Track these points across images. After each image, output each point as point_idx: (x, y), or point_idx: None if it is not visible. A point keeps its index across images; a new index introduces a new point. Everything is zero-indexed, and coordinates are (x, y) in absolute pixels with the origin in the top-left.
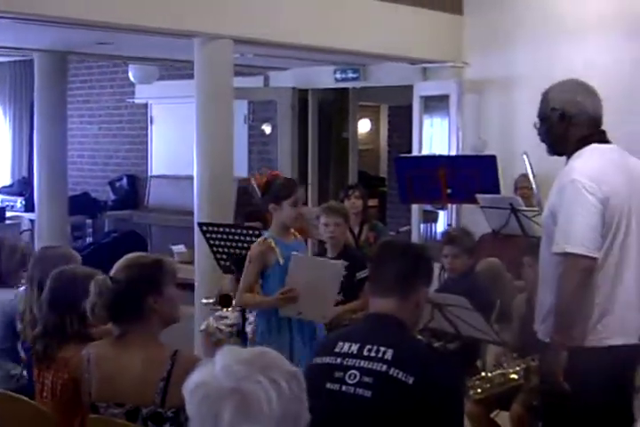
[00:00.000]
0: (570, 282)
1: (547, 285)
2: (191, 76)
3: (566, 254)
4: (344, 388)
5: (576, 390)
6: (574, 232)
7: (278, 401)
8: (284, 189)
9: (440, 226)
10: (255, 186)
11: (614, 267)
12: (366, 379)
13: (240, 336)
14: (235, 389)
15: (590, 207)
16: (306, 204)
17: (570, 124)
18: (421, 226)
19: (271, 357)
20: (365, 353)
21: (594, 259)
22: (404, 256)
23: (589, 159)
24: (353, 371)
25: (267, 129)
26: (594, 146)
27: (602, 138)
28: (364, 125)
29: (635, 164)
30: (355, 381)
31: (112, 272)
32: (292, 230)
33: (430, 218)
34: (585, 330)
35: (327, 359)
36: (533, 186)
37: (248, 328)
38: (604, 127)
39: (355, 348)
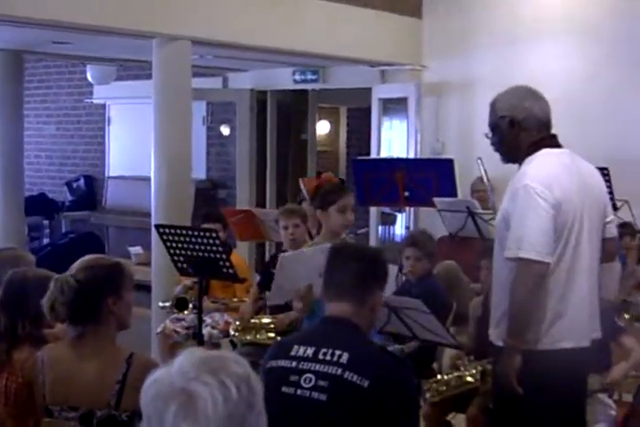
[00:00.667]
0: (522, 287)
1: (500, 289)
2: (149, 77)
3: (519, 259)
4: (299, 392)
5: (529, 393)
6: (526, 237)
7: (224, 404)
8: (331, 195)
9: (398, 228)
10: (304, 190)
11: (566, 272)
12: (322, 383)
13: (196, 339)
14: (183, 389)
15: (542, 212)
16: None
17: (520, 129)
18: (379, 228)
19: (226, 360)
20: (321, 357)
21: (546, 264)
22: (358, 261)
23: (541, 164)
24: (308, 375)
25: (225, 130)
26: (545, 151)
27: (553, 142)
28: (323, 127)
29: (586, 168)
30: (310, 384)
31: (71, 272)
32: (344, 237)
33: (388, 220)
34: (537, 334)
35: (282, 363)
36: (488, 190)
37: (204, 331)
38: (560, 130)
39: (310, 351)
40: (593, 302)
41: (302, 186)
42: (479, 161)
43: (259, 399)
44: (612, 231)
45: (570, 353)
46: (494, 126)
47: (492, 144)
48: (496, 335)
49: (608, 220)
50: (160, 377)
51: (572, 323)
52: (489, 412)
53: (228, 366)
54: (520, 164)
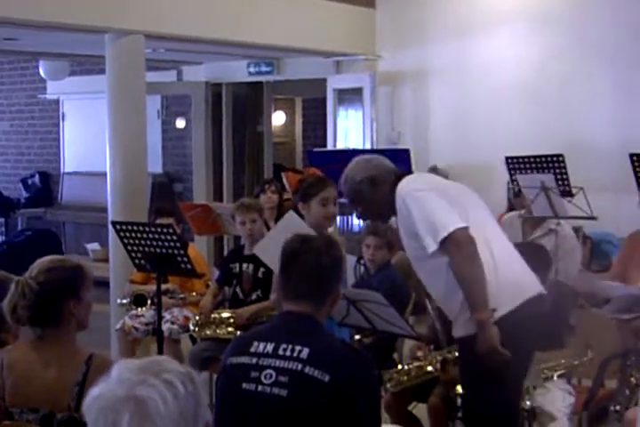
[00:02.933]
0: (461, 259)
1: (442, 289)
2: (103, 72)
3: (442, 244)
4: (260, 388)
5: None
6: (434, 223)
7: (174, 401)
8: (312, 187)
9: (356, 219)
10: (286, 184)
11: (489, 248)
12: (282, 378)
13: (156, 334)
14: (129, 396)
15: (431, 197)
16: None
17: (381, 183)
18: (338, 218)
19: (164, 362)
20: (281, 352)
21: (464, 227)
22: (313, 261)
23: (406, 181)
24: (269, 371)
25: (181, 124)
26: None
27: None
28: (278, 118)
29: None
30: (271, 380)
31: (31, 273)
32: (329, 231)
33: (346, 210)
34: (505, 297)
35: (243, 359)
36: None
37: (164, 326)
38: (514, 118)
39: (270, 347)
40: (525, 267)
41: (285, 180)
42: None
43: (202, 393)
44: None
45: (531, 302)
46: (356, 196)
47: (361, 215)
48: (457, 329)
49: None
50: (101, 392)
51: (515, 286)
52: (450, 401)
53: (167, 366)
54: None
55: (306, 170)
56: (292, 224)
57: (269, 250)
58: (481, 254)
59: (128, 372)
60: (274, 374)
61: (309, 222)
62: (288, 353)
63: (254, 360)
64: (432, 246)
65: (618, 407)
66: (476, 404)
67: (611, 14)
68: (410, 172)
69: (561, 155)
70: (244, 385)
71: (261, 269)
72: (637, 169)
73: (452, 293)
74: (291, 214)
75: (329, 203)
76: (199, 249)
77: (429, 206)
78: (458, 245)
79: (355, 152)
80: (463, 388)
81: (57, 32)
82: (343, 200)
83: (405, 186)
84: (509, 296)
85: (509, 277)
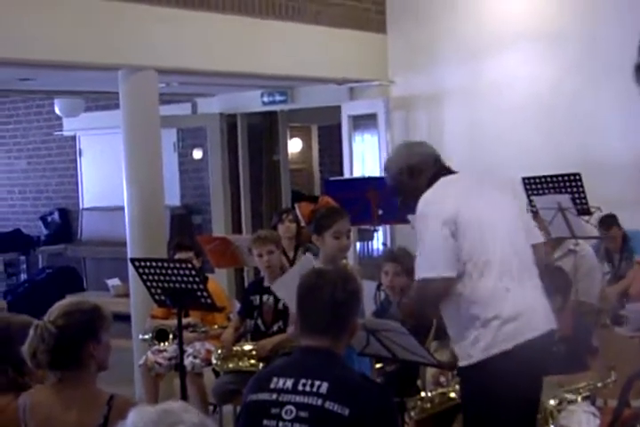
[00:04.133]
0: (420, 304)
1: (445, 314)
2: (118, 107)
3: (421, 280)
4: (281, 424)
5: (500, 394)
6: (426, 259)
7: None
8: (326, 220)
9: (376, 244)
10: (299, 215)
11: (497, 275)
12: (302, 414)
13: (179, 369)
14: None
15: (436, 230)
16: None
17: (419, 172)
18: (358, 244)
19: (177, 412)
20: (300, 388)
21: (446, 278)
22: (330, 296)
23: (430, 191)
24: (289, 406)
25: (197, 155)
26: (440, 180)
27: (445, 172)
28: (295, 145)
29: (489, 181)
30: (291, 416)
31: (50, 317)
32: (345, 262)
33: (367, 237)
34: (501, 335)
35: (263, 396)
36: None
37: (186, 361)
38: (528, 138)
39: (289, 383)
40: (541, 299)
41: (298, 211)
42: None
43: None
44: (536, 236)
45: (533, 343)
46: (397, 184)
47: (403, 204)
48: (459, 356)
49: (533, 224)
50: None
51: (525, 316)
52: None
53: (182, 417)
54: None
55: (320, 200)
56: (309, 265)
57: (287, 287)
58: (490, 285)
59: (142, 423)
60: (294, 409)
61: (324, 254)
62: (307, 388)
63: (274, 396)
64: (416, 277)
65: None
66: None
67: (619, 29)
68: (449, 172)
69: (577, 174)
70: (265, 422)
71: (282, 301)
72: None
73: (450, 321)
74: (307, 256)
75: (342, 236)
76: (219, 281)
77: (427, 240)
78: (423, 292)
79: (370, 180)
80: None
81: (71, 71)
82: (365, 227)
83: (421, 201)
84: (512, 333)
85: (516, 312)
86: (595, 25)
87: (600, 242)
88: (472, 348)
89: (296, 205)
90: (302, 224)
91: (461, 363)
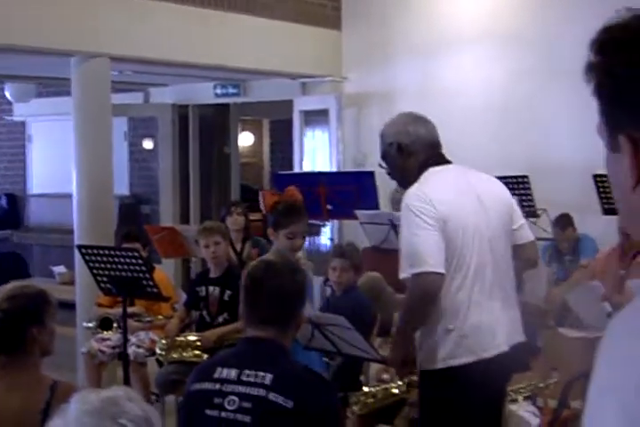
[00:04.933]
0: (415, 301)
1: None
2: (70, 93)
3: (414, 276)
4: (223, 414)
5: (454, 407)
6: (415, 254)
7: None
8: (283, 218)
9: (323, 240)
10: (262, 203)
11: (470, 285)
12: (245, 404)
13: (122, 358)
14: None
15: (425, 226)
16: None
17: (409, 153)
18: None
19: (121, 401)
20: (244, 378)
21: (439, 274)
22: (277, 288)
23: (424, 183)
24: (232, 397)
25: (147, 145)
26: (430, 170)
27: (439, 160)
28: (246, 139)
29: (478, 180)
30: (234, 407)
31: None
32: (297, 256)
33: (314, 231)
34: (450, 349)
35: (206, 385)
36: None
37: (130, 350)
38: (480, 139)
39: (233, 373)
40: (511, 309)
41: (261, 198)
42: None
43: None
44: (525, 236)
45: (489, 362)
46: (385, 154)
47: (388, 173)
48: (420, 359)
49: (516, 226)
50: None
51: (488, 333)
52: (415, 423)
53: (125, 408)
54: None
55: (286, 191)
56: None
57: None
58: (459, 295)
59: (84, 414)
60: (237, 400)
61: (276, 249)
62: (252, 379)
63: (217, 386)
64: (403, 274)
65: None
66: None
67: (572, 33)
68: (442, 161)
69: (526, 176)
70: (208, 411)
71: (228, 292)
72: (601, 190)
73: None
74: None
75: (296, 237)
76: (166, 272)
77: (417, 235)
78: (419, 286)
79: (321, 174)
80: (420, 420)
81: (24, 55)
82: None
83: (412, 194)
84: (472, 347)
85: (478, 327)
86: (547, 29)
87: (550, 242)
88: (433, 354)
89: (260, 193)
90: (255, 215)
91: (422, 366)
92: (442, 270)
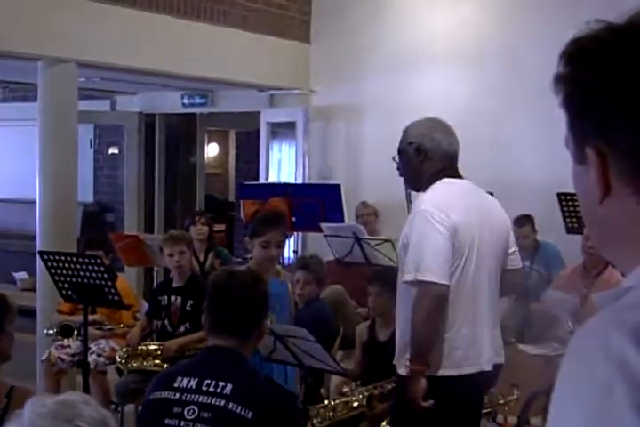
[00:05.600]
0: (422, 310)
1: (403, 317)
2: (35, 99)
3: (417, 283)
4: (182, 423)
5: (430, 417)
6: (424, 260)
7: None
8: (258, 227)
9: (286, 252)
10: (242, 212)
11: (468, 296)
12: (205, 414)
13: (82, 366)
14: None
15: (438, 236)
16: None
17: (425, 158)
18: None
19: (77, 405)
20: (204, 388)
21: (445, 285)
22: (239, 298)
23: (438, 192)
24: (191, 406)
25: (113, 153)
26: (444, 180)
27: (454, 173)
28: (212, 150)
29: (487, 199)
30: (193, 416)
31: None
32: (277, 268)
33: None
34: (440, 359)
35: (166, 394)
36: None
37: (90, 358)
38: None
39: (193, 383)
40: (495, 329)
41: (241, 208)
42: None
43: None
44: (517, 261)
45: (471, 378)
46: (402, 151)
47: (398, 168)
48: (400, 364)
49: (511, 251)
50: None
51: (476, 348)
52: None
53: (81, 411)
54: (422, 191)
55: (269, 201)
56: None
57: None
58: (457, 311)
59: (40, 418)
60: (197, 409)
61: (254, 259)
62: (212, 389)
63: (177, 395)
64: (408, 277)
65: None
66: None
67: (537, 52)
68: (456, 175)
69: (491, 193)
70: (167, 421)
71: (190, 302)
72: (565, 208)
73: (405, 320)
74: None
75: (270, 246)
76: (129, 281)
77: (429, 242)
78: (426, 296)
79: (286, 186)
80: (391, 424)
81: None
82: None
83: (427, 201)
84: (458, 360)
85: (468, 342)
86: (512, 47)
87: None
88: None
89: (241, 202)
90: (219, 226)
91: (400, 370)
92: (448, 282)
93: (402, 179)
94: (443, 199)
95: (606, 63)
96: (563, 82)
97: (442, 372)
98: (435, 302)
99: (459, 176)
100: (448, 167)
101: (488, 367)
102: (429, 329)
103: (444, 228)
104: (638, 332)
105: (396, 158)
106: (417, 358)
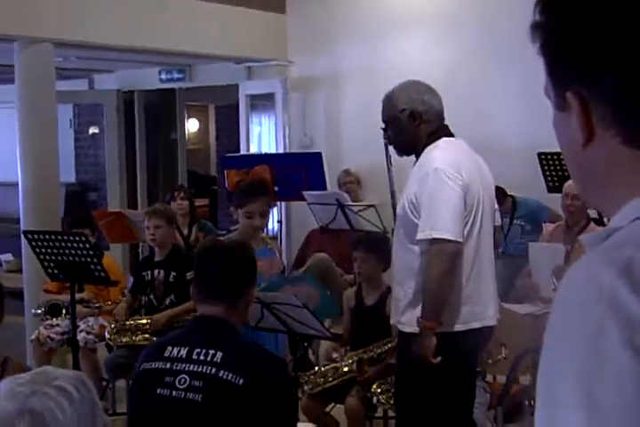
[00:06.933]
0: (438, 267)
1: (406, 274)
2: (12, 81)
3: (433, 240)
4: (174, 393)
5: (436, 372)
6: (440, 218)
7: (71, 406)
8: (241, 198)
9: (270, 223)
10: (226, 182)
11: (473, 254)
12: (196, 383)
13: (71, 344)
14: (22, 409)
15: (453, 193)
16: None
17: (421, 121)
18: None
19: (51, 371)
20: (194, 357)
21: (460, 243)
22: (227, 262)
23: (446, 150)
24: (183, 375)
25: (93, 132)
26: (445, 139)
27: (448, 132)
28: (192, 125)
29: (477, 157)
30: (185, 385)
31: None
32: (264, 237)
33: None
34: (451, 315)
35: (157, 364)
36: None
37: (79, 336)
38: None
39: (184, 352)
40: (494, 285)
41: (226, 178)
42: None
43: (96, 394)
44: (497, 219)
45: (476, 333)
46: (392, 119)
47: (387, 137)
48: (406, 322)
49: (495, 207)
50: None
51: (481, 303)
52: (367, 401)
53: (59, 373)
54: (417, 155)
55: (253, 170)
56: None
57: None
58: (464, 266)
59: (18, 385)
60: (188, 378)
61: (240, 228)
62: (202, 357)
63: (168, 365)
64: (422, 235)
65: (532, 402)
66: (405, 399)
67: (514, 18)
68: (451, 133)
69: None
70: (159, 390)
71: (172, 274)
72: (545, 168)
73: (411, 278)
74: None
75: (254, 216)
76: (114, 257)
77: (444, 201)
78: (442, 254)
79: (267, 156)
80: (396, 382)
81: None
82: None
83: (439, 159)
84: (465, 315)
85: (474, 297)
86: (491, 13)
87: None
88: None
89: (225, 172)
90: (201, 201)
91: (407, 329)
92: (461, 239)
93: (382, 145)
94: (452, 157)
95: (580, 7)
96: (539, 29)
97: (450, 328)
98: (451, 259)
99: (452, 134)
100: (442, 126)
101: (492, 322)
102: (445, 287)
103: (458, 186)
104: (629, 269)
105: (385, 132)
106: (430, 316)
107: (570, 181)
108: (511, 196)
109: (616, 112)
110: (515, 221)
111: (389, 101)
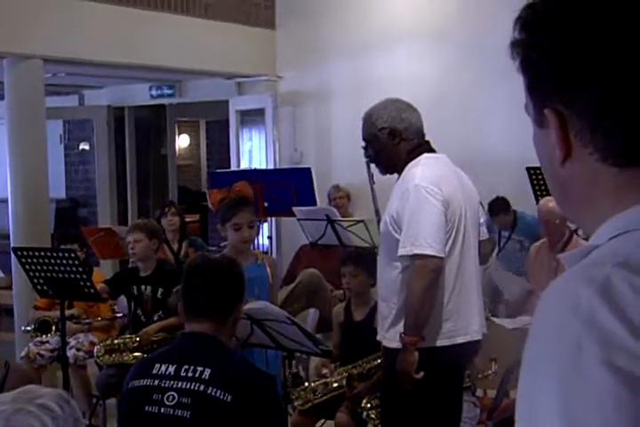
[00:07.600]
0: (420, 282)
1: (389, 290)
2: (2, 97)
3: (414, 256)
4: (163, 410)
5: (422, 387)
6: (421, 234)
7: (54, 424)
8: (227, 212)
9: (261, 238)
10: (209, 202)
11: (456, 269)
12: (184, 400)
13: (61, 361)
14: None
15: (434, 209)
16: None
17: (401, 139)
18: None
19: (35, 389)
20: (182, 374)
21: (441, 258)
22: (215, 280)
23: (427, 166)
24: (171, 392)
25: (84, 148)
26: (426, 155)
27: (429, 148)
28: (183, 141)
29: (461, 172)
30: (173, 402)
31: None
32: (255, 252)
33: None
34: (433, 330)
35: (145, 382)
36: (345, 196)
37: (69, 353)
38: None
39: (172, 369)
40: (480, 299)
41: (208, 198)
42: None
43: (79, 412)
44: (484, 233)
45: (460, 348)
46: (372, 138)
47: (368, 156)
48: (390, 338)
49: (481, 221)
50: None
51: (465, 318)
52: (356, 415)
53: (42, 391)
54: (399, 173)
55: (233, 187)
56: None
57: None
58: (447, 282)
59: (1, 404)
60: (176, 395)
61: (229, 244)
62: (190, 374)
63: (156, 382)
64: (403, 251)
65: None
66: (391, 415)
67: (504, 30)
68: (432, 149)
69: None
70: (147, 408)
71: (160, 290)
72: (534, 182)
73: (394, 294)
74: None
75: (242, 227)
76: (104, 273)
77: (425, 216)
78: (424, 270)
79: (256, 172)
80: (382, 398)
81: None
82: None
83: (420, 176)
84: (449, 330)
85: (457, 312)
86: (482, 26)
87: (491, 222)
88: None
89: (207, 192)
90: (192, 217)
91: (391, 344)
92: (443, 255)
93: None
94: (433, 173)
95: (559, 24)
96: (519, 46)
97: (432, 343)
98: (433, 275)
99: (434, 150)
100: (423, 143)
101: (478, 337)
102: (426, 302)
103: (439, 201)
104: (607, 287)
105: (365, 152)
106: (412, 331)
107: (541, 202)
108: (514, 210)
109: (593, 129)
110: (513, 236)
111: (369, 120)
